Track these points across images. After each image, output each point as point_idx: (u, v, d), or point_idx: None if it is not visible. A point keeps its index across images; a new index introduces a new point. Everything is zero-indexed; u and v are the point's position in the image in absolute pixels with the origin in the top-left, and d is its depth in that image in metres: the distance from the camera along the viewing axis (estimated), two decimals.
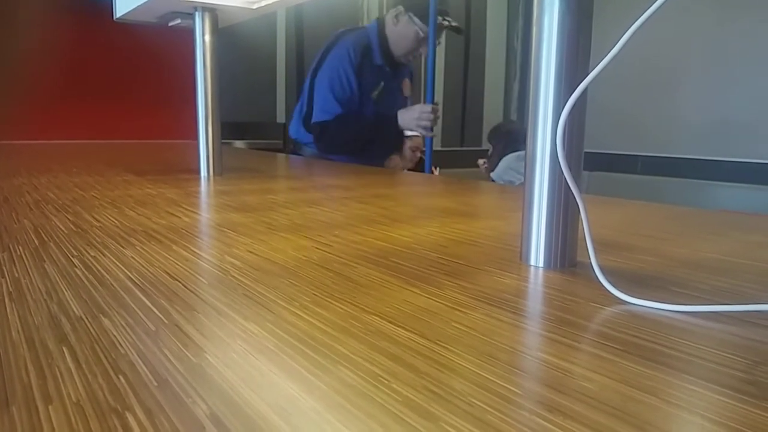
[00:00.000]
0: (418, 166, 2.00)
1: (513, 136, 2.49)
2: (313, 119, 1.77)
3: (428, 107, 1.74)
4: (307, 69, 3.19)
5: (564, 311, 0.32)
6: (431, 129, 1.77)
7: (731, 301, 0.35)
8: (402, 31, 1.77)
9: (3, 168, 1.07)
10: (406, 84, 1.93)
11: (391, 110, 1.80)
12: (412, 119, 1.74)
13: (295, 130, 1.87)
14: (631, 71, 2.91)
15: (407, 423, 0.20)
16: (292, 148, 1.94)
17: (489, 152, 2.60)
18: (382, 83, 1.77)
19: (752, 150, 2.70)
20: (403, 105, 1.91)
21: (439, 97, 3.56)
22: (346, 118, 1.73)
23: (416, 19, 1.74)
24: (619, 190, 2.90)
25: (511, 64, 4.04)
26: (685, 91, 2.92)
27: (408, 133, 1.81)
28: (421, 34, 1.75)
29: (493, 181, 2.35)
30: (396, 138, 1.79)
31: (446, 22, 1.80)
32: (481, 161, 2.67)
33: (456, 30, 1.88)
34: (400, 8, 1.75)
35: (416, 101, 1.92)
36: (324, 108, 1.75)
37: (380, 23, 1.81)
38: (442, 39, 1.94)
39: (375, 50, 1.77)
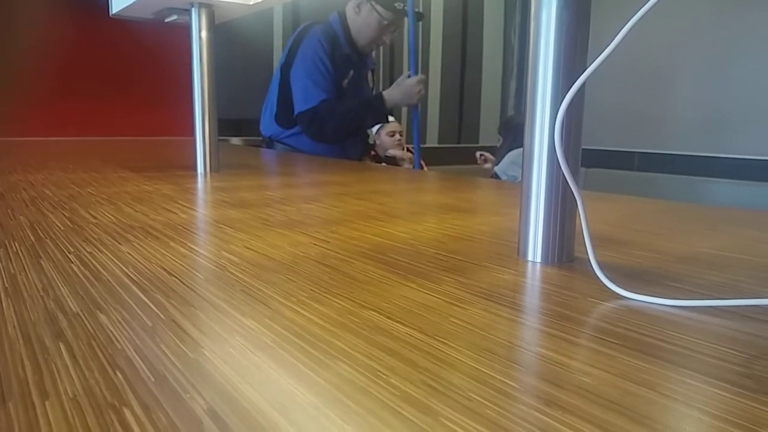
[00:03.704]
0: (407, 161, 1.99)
1: (522, 130, 2.44)
2: (297, 110, 1.75)
3: (417, 85, 1.73)
4: None
5: (562, 306, 0.32)
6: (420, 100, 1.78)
7: (728, 296, 0.35)
8: (364, 20, 1.77)
9: None
10: (369, 75, 1.95)
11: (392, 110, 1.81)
12: (402, 97, 1.75)
13: (268, 126, 1.86)
14: (628, 67, 2.91)
15: (406, 418, 0.20)
16: (265, 145, 1.93)
17: (498, 145, 2.55)
18: (352, 72, 1.78)
19: (748, 146, 2.70)
20: (369, 94, 1.92)
21: (435, 93, 3.56)
22: (331, 103, 1.73)
23: (378, 7, 1.74)
24: (615, 187, 2.90)
25: (508, 60, 4.04)
26: (682, 87, 2.92)
27: (374, 129, 1.78)
28: (384, 21, 1.74)
29: (495, 175, 2.32)
30: (385, 118, 1.81)
31: (400, 5, 1.77)
32: (477, 153, 2.65)
33: (417, 16, 1.86)
34: None
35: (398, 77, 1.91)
36: (306, 97, 1.74)
37: (342, 15, 1.81)
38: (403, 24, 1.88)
39: (341, 40, 1.78)
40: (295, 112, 1.75)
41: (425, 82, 1.77)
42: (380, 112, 1.79)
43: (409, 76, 1.81)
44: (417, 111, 1.86)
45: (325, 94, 1.73)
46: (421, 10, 1.92)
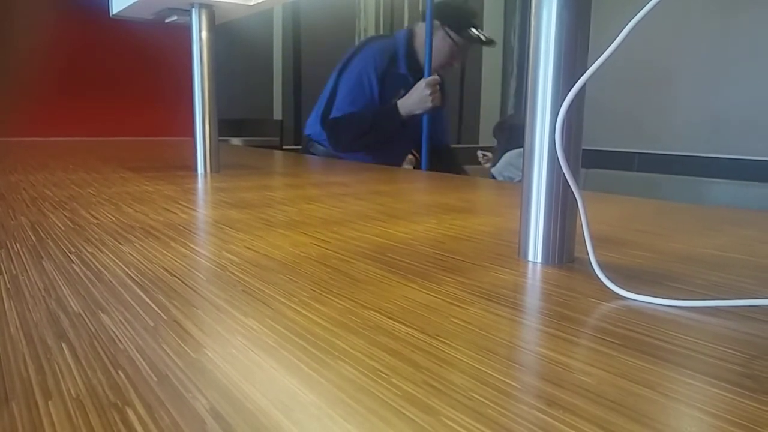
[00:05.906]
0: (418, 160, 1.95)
1: (517, 132, 2.46)
2: (330, 116, 1.77)
3: (426, 89, 1.68)
4: (303, 65, 3.19)
5: (562, 306, 0.32)
6: (440, 102, 1.72)
7: (728, 296, 0.35)
8: (436, 45, 1.76)
9: None
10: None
11: (412, 118, 1.76)
12: (415, 104, 1.70)
13: (311, 125, 1.86)
14: (628, 68, 2.91)
15: (407, 417, 0.20)
16: (304, 146, 1.91)
17: (494, 146, 2.56)
18: (403, 91, 1.74)
19: (748, 147, 2.70)
20: (430, 113, 1.89)
21: None
22: (351, 116, 1.73)
23: (453, 34, 1.73)
24: (615, 187, 2.90)
25: (508, 60, 4.04)
26: (682, 88, 2.93)
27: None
28: (457, 48, 1.74)
29: (493, 176, 2.33)
30: (401, 127, 1.74)
31: (482, 37, 1.78)
32: (480, 153, 2.65)
33: (488, 43, 1.84)
34: (436, 23, 1.74)
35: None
36: (339, 107, 1.75)
37: (410, 34, 1.80)
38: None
39: (401, 60, 1.77)
40: (328, 118, 1.78)
41: (438, 83, 1.70)
42: (394, 121, 1.73)
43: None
44: (426, 141, 1.83)
45: (355, 108, 1.73)
46: (491, 38, 1.87)
